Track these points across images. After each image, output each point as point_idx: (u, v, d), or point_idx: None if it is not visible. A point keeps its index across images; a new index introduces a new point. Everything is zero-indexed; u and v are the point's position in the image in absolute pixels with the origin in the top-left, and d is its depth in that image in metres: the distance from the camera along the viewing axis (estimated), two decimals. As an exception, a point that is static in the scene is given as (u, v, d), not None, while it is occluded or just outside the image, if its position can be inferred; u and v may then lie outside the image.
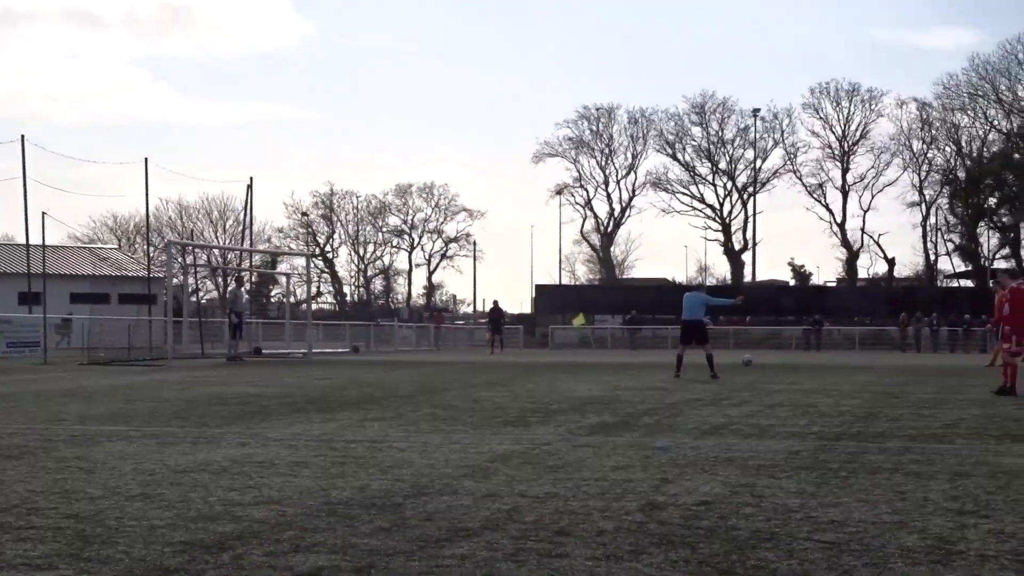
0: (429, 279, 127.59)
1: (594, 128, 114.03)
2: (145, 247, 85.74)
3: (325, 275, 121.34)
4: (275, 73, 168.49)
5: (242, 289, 42.87)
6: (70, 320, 51.71)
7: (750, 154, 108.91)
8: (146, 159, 56.70)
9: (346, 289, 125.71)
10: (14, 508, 8.07)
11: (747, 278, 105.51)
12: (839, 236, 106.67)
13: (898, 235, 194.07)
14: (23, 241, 55.58)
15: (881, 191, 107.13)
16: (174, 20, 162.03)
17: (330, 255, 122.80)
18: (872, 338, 70.62)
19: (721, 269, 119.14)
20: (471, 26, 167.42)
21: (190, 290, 67.89)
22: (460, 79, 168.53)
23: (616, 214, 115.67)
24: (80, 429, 13.95)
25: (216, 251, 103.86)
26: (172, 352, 37.40)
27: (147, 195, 57.96)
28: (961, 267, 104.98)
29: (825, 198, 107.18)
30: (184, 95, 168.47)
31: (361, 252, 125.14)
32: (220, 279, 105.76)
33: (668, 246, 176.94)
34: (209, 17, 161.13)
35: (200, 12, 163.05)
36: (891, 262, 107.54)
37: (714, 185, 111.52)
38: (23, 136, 51.73)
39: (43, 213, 45.79)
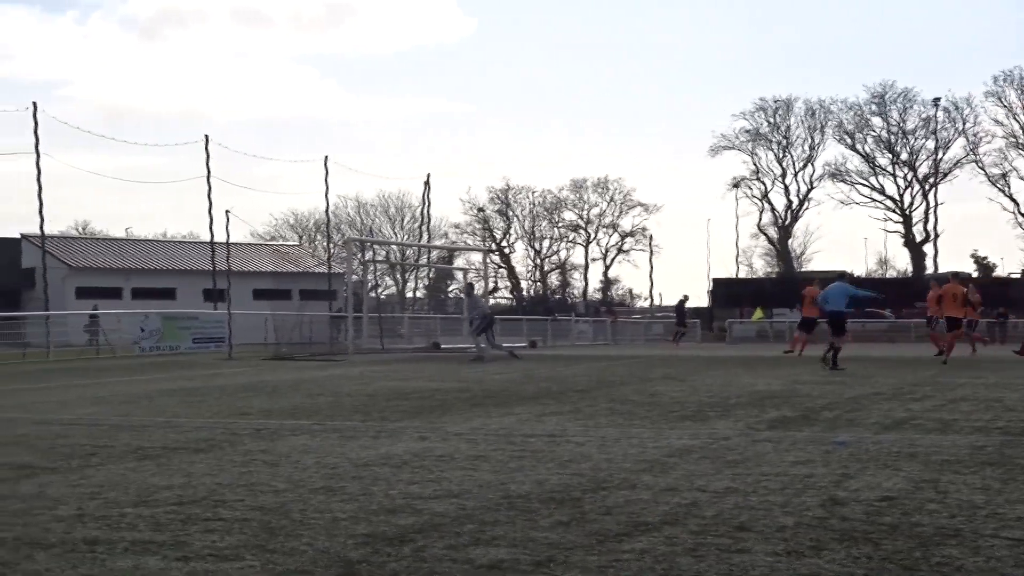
0: (605, 274, 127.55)
1: (771, 120, 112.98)
2: (325, 244, 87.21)
3: (502, 270, 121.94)
4: (441, 70, 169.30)
5: (476, 295, 41.55)
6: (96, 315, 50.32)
7: (931, 144, 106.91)
8: (326, 157, 57.66)
9: (523, 284, 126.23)
10: (202, 500, 8.27)
11: (928, 270, 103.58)
12: (1023, 227, 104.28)
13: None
14: (208, 239, 56.82)
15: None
16: (338, 17, 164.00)
17: (506, 250, 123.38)
18: (1061, 330, 68.69)
19: (901, 261, 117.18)
20: (642, 18, 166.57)
21: (369, 286, 68.78)
22: (633, 72, 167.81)
23: (794, 206, 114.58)
24: (264, 423, 14.24)
25: (394, 247, 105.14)
26: (352, 347, 37.89)
27: (327, 193, 58.99)
28: None
29: (1009, 188, 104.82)
30: (352, 92, 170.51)
31: (537, 247, 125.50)
32: (398, 275, 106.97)
33: (847, 238, 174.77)
34: (371, 14, 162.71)
35: (362, 9, 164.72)
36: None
37: (894, 176, 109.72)
38: (207, 136, 52.90)
39: (227, 211, 46.70)
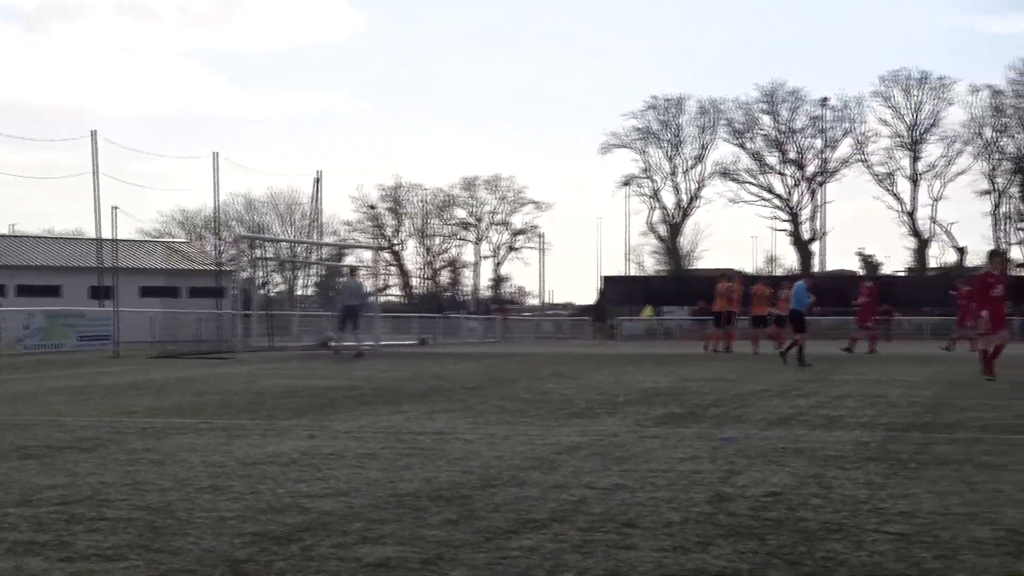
0: (496, 271, 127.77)
1: (662, 118, 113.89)
2: (214, 241, 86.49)
3: (392, 268, 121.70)
4: (332, 66, 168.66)
5: (355, 281, 41.28)
6: None
7: (819, 143, 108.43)
8: (216, 153, 57.08)
9: (413, 282, 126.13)
10: (86, 500, 8.16)
11: (816, 268, 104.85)
12: (909, 225, 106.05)
13: (969, 224, 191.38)
14: (94, 235, 56.05)
15: (952, 180, 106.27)
16: (226, 12, 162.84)
17: (397, 248, 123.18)
18: (943, 328, 69.82)
19: (790, 260, 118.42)
20: (533, 15, 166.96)
21: (258, 283, 68.34)
22: (524, 69, 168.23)
23: (683, 204, 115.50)
24: (150, 422, 14.08)
25: (284, 244, 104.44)
26: (241, 345, 37.59)
27: (216, 189, 58.47)
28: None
29: (895, 187, 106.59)
30: (242, 88, 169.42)
31: (428, 244, 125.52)
32: (288, 272, 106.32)
33: (736, 236, 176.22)
34: (260, 9, 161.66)
35: (251, 4, 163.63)
36: (961, 251, 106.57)
37: (783, 175, 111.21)
38: (93, 131, 52.14)
39: (113, 208, 46.05)
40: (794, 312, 29.34)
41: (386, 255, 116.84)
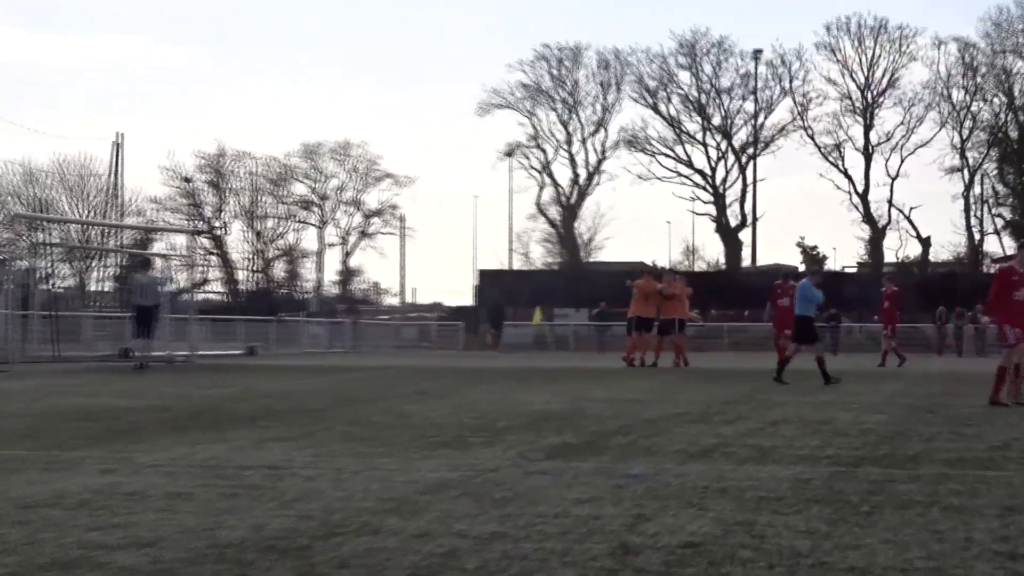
0: (345, 263, 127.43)
1: (555, 72, 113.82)
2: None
3: (213, 257, 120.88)
4: (140, 2, 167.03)
5: (155, 272, 41.59)
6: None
7: (751, 106, 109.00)
8: (-15, 109, 56.33)
9: (240, 275, 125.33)
10: None
11: (746, 262, 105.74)
12: (860, 210, 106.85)
13: (935, 208, 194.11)
14: None
15: (913, 153, 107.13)
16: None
17: (219, 232, 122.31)
18: (902, 337, 70.79)
19: (713, 250, 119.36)
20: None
21: (41, 276, 67.67)
22: (382, 8, 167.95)
23: (581, 181, 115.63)
24: (-101, 452, 13.91)
25: (74, 227, 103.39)
26: (18, 355, 37.16)
27: (-14, 155, 57.58)
28: (1013, 248, 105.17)
29: (843, 162, 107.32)
30: (20, 28, 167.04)
31: (258, 228, 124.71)
32: (80, 262, 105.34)
33: (646, 222, 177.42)
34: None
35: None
36: (926, 242, 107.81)
37: (705, 145, 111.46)
38: None
39: None
40: (800, 319, 29.18)
41: (204, 241, 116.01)
